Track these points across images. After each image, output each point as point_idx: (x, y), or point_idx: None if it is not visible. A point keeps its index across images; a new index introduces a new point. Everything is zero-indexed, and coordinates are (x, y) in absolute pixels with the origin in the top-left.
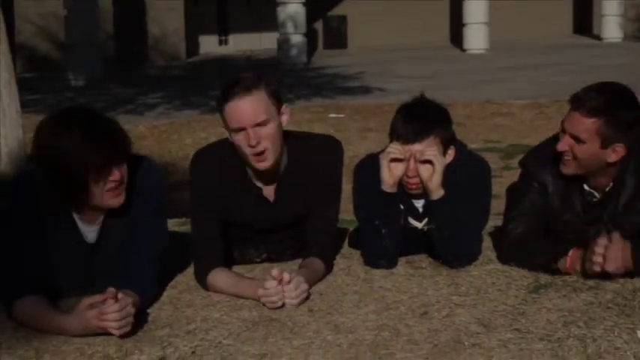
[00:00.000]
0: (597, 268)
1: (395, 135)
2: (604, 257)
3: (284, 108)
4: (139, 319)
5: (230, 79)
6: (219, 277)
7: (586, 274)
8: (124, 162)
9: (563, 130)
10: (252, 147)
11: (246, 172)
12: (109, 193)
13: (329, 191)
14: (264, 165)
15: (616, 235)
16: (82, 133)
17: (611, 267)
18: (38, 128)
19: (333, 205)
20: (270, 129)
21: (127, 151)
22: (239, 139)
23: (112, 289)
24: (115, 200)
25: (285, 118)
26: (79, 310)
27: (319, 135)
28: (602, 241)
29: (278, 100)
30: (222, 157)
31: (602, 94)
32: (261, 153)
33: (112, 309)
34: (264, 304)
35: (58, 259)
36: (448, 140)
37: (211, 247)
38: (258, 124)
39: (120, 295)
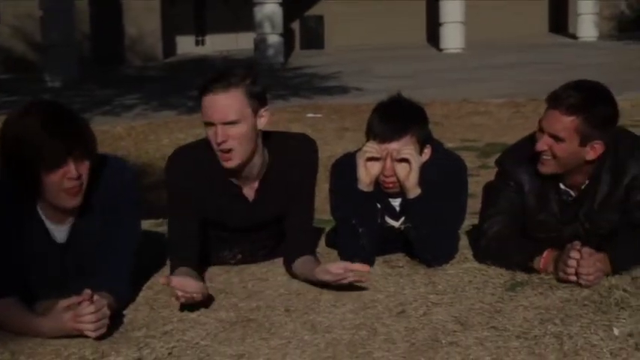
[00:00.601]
0: (571, 279)
1: (371, 134)
2: (576, 272)
3: (263, 111)
4: (115, 321)
5: (219, 70)
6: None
7: (559, 278)
8: (85, 159)
9: (541, 130)
10: (218, 144)
11: (225, 171)
12: (65, 191)
13: (308, 191)
14: (228, 164)
15: (586, 250)
16: (39, 120)
17: (583, 282)
18: (4, 120)
19: (312, 204)
20: (239, 129)
21: (88, 148)
22: (209, 133)
23: (87, 291)
24: (70, 201)
25: (263, 120)
26: (54, 312)
27: (295, 134)
28: (574, 254)
29: (259, 101)
30: (200, 156)
31: (579, 91)
32: (228, 151)
33: (87, 311)
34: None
35: (28, 260)
36: (424, 139)
37: (184, 247)
38: (228, 123)
39: (95, 297)
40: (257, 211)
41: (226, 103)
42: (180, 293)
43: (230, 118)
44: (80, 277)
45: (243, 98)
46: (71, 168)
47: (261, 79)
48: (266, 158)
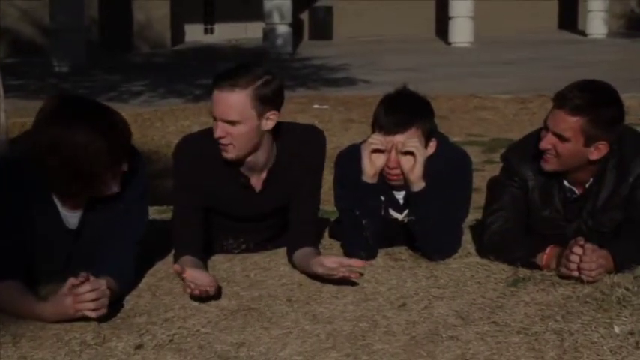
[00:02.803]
0: (573, 274)
1: (377, 126)
2: (578, 267)
3: (270, 114)
4: (117, 306)
5: (235, 64)
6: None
7: (561, 274)
8: None
9: (546, 128)
10: (217, 138)
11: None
12: (114, 181)
13: (314, 181)
14: (225, 155)
15: (589, 246)
16: (98, 129)
17: (585, 277)
18: (44, 121)
19: (317, 194)
20: (238, 130)
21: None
22: (213, 124)
23: (83, 273)
24: (117, 186)
25: (269, 123)
26: (57, 296)
27: (303, 125)
28: (577, 249)
29: (267, 104)
30: (208, 144)
31: (585, 92)
32: (225, 144)
33: (85, 289)
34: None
35: (38, 245)
36: (430, 132)
37: (189, 234)
38: (228, 121)
39: (92, 278)
40: (263, 201)
41: (229, 103)
42: (193, 286)
43: (230, 118)
44: (87, 263)
45: (248, 100)
46: (125, 166)
47: (276, 82)
48: (274, 150)
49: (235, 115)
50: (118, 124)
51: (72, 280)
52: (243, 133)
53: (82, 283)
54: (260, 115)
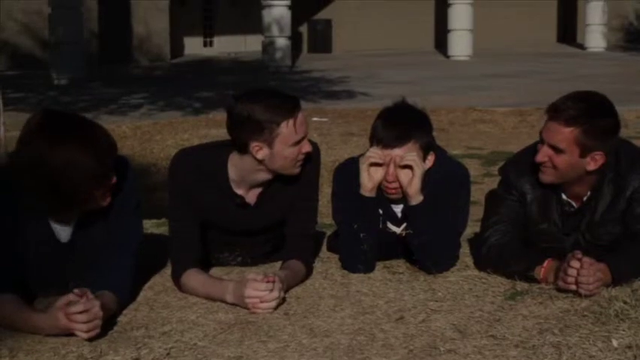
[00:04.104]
0: (571, 288)
1: (375, 139)
2: (576, 281)
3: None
4: (115, 320)
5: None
6: (191, 278)
7: (559, 287)
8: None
9: (542, 141)
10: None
11: (228, 177)
12: (103, 194)
13: (309, 195)
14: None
15: (587, 259)
16: (82, 145)
17: (583, 291)
18: (27, 137)
19: (313, 208)
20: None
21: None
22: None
23: (78, 290)
24: (106, 200)
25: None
26: (52, 310)
27: None
28: (574, 263)
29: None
30: (203, 158)
31: (578, 102)
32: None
33: (77, 309)
34: (242, 307)
35: (31, 259)
36: (428, 146)
37: (187, 247)
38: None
39: (89, 296)
40: (258, 215)
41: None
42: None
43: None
44: (81, 277)
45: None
46: (112, 177)
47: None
48: None
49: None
50: (101, 140)
51: (68, 297)
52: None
53: (77, 300)
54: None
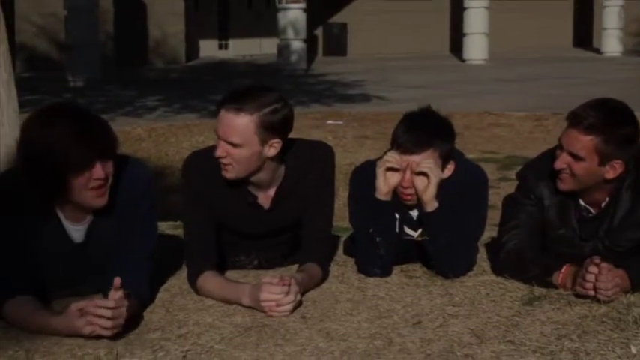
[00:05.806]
0: (589, 294)
1: (395, 143)
2: (594, 287)
3: (274, 142)
4: (132, 322)
5: (247, 85)
6: (208, 280)
7: (577, 293)
8: (110, 160)
9: (561, 147)
10: (217, 157)
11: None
12: (92, 192)
13: (324, 197)
14: (224, 174)
15: (605, 265)
16: (67, 126)
17: (601, 297)
18: (24, 124)
19: (328, 210)
20: (239, 152)
21: (112, 149)
22: (217, 142)
23: (119, 287)
24: (98, 200)
25: (272, 150)
26: (68, 312)
27: (311, 141)
28: (592, 269)
29: (271, 132)
30: (216, 161)
31: (599, 111)
32: (225, 164)
33: (107, 304)
34: (259, 310)
35: (45, 259)
36: (448, 155)
37: (203, 250)
38: (229, 143)
39: (120, 294)
40: (272, 218)
41: (233, 125)
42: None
43: (232, 140)
44: (96, 277)
45: (252, 126)
46: (98, 169)
47: (285, 110)
48: (281, 169)
49: (238, 138)
50: (92, 130)
51: (85, 303)
52: (244, 156)
53: (114, 288)
54: (263, 142)
